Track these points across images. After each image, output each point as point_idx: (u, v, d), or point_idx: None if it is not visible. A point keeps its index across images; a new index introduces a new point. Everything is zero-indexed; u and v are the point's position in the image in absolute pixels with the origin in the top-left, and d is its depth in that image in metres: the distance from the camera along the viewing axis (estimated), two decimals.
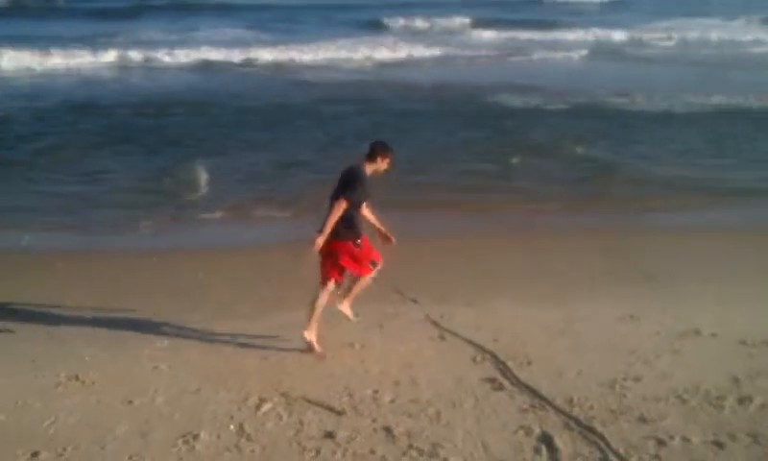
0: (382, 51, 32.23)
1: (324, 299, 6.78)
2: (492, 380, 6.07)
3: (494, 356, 6.53)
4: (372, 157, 6.73)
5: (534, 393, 5.80)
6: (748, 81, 25.53)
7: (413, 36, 39.45)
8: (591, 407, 5.57)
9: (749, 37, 39.59)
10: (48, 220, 11.30)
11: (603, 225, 11.29)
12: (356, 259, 6.75)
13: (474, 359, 6.52)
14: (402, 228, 11.08)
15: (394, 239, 7.08)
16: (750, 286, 8.47)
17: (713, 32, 41.26)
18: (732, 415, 5.46)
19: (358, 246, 6.72)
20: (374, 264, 6.85)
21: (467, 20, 45.57)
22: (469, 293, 8.31)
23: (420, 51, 32.85)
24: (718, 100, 21.21)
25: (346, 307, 7.06)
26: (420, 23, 45.40)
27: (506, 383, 6.01)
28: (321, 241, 6.47)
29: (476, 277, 8.92)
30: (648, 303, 7.88)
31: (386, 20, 44.86)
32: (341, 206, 6.49)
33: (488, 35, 39.94)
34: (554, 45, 35.94)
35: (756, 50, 35.74)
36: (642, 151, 15.93)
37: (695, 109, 20.33)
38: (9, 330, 7.43)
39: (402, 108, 20.23)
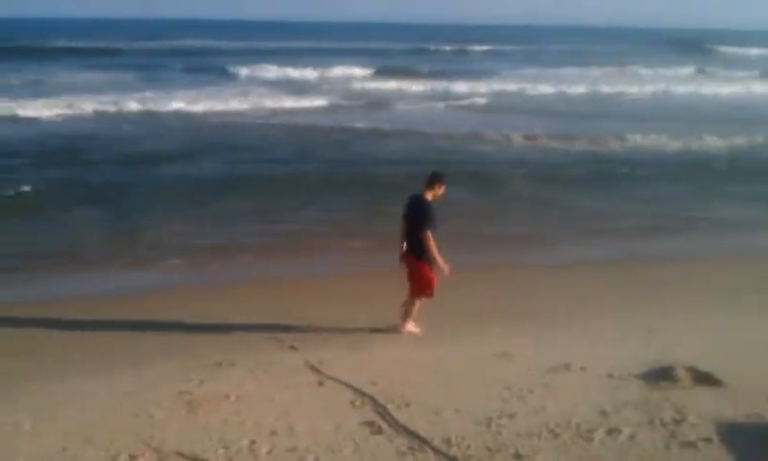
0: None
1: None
2: (370, 424, 6.04)
3: (373, 400, 6.51)
4: (431, 184, 8.23)
5: (412, 434, 5.81)
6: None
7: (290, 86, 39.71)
8: (468, 447, 5.62)
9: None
10: None
11: (476, 263, 11.54)
12: (423, 282, 8.35)
13: (353, 403, 6.47)
14: (281, 272, 11.21)
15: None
16: (615, 318, 8.85)
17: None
18: (601, 447, 5.63)
19: (434, 273, 8.28)
20: (426, 294, 8.42)
21: (367, 71, 46.61)
22: (349, 337, 8.31)
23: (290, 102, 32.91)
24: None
25: (411, 327, 8.58)
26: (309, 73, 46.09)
27: (385, 426, 5.99)
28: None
29: (356, 320, 8.92)
30: (521, 340, 8.11)
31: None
32: (430, 237, 8.08)
33: (375, 85, 40.59)
34: (435, 96, 37.18)
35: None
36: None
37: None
38: None
39: None
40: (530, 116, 29.51)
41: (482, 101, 35.28)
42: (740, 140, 23.97)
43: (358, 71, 46.99)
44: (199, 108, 29.88)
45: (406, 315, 8.63)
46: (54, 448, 5.66)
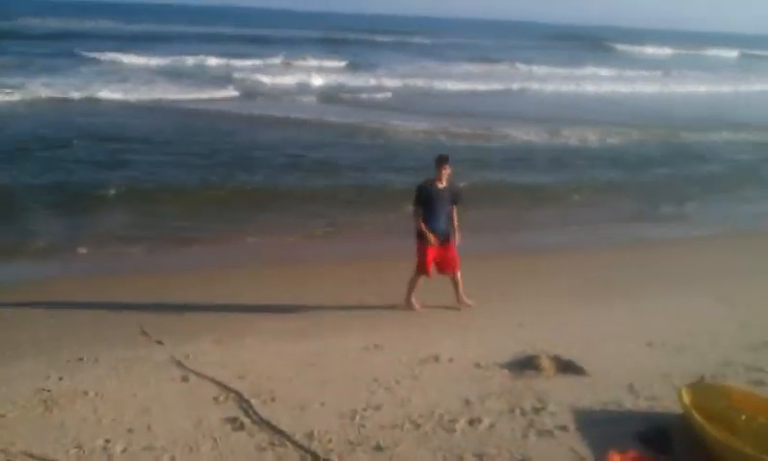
0: None
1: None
2: (233, 420, 5.93)
3: (239, 395, 6.39)
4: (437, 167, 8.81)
5: (274, 429, 5.74)
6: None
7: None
8: (330, 440, 5.60)
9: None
10: None
11: (356, 255, 11.57)
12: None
13: (217, 399, 6.34)
14: (149, 264, 10.90)
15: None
16: (485, 310, 9.01)
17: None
18: (461, 437, 5.71)
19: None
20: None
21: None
22: (219, 330, 8.13)
23: None
24: None
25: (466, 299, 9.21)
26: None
27: (247, 422, 5.90)
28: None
29: (227, 312, 8.76)
30: (393, 333, 8.12)
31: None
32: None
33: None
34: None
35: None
36: None
37: None
38: None
39: None
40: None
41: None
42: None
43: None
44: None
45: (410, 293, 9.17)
46: None
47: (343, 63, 44.68)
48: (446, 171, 8.79)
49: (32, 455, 5.32)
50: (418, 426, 5.83)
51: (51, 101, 26.22)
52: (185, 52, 45.42)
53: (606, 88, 41.45)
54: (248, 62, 42.42)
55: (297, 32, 76.81)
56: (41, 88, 27.71)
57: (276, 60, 44.67)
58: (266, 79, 36.58)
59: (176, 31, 67.69)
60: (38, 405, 6.21)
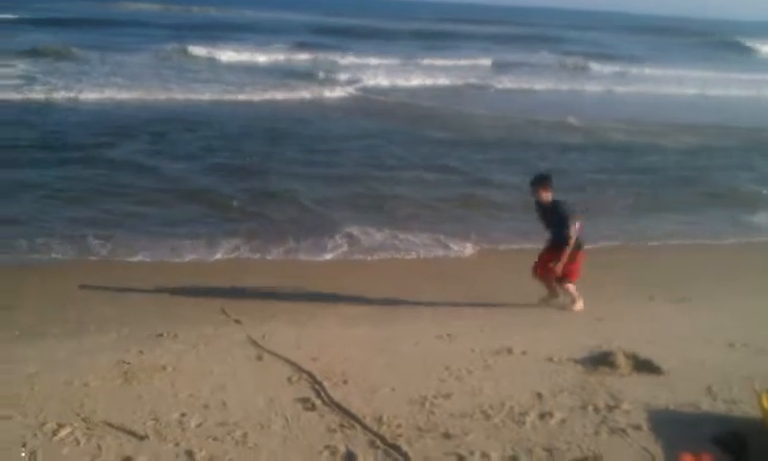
0: None
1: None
2: (305, 400, 6.01)
3: (311, 376, 6.48)
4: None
5: (344, 412, 5.79)
6: None
7: None
8: (399, 425, 5.61)
9: None
10: None
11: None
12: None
13: (290, 379, 6.44)
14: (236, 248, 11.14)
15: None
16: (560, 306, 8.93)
17: None
18: (531, 430, 5.64)
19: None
20: None
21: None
22: (295, 312, 8.26)
23: None
24: None
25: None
26: None
27: (318, 403, 5.97)
28: None
29: (303, 296, 8.89)
30: (467, 323, 8.11)
31: None
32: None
33: None
34: None
35: None
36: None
37: None
38: None
39: None
40: None
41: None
42: None
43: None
44: None
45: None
46: None
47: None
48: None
49: (111, 424, 5.50)
50: (488, 417, 5.80)
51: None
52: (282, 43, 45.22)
53: None
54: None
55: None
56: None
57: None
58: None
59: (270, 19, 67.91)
60: (119, 377, 6.43)
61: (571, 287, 8.88)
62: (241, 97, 26.40)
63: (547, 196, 8.70)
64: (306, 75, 33.08)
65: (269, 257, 10.86)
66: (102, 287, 9.08)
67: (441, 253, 11.48)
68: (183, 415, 5.67)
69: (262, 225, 12.21)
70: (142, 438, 5.30)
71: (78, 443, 5.23)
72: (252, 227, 12.09)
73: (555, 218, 8.70)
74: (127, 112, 21.81)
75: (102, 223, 11.67)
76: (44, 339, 7.35)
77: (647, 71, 44.23)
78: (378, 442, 5.36)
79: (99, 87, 25.17)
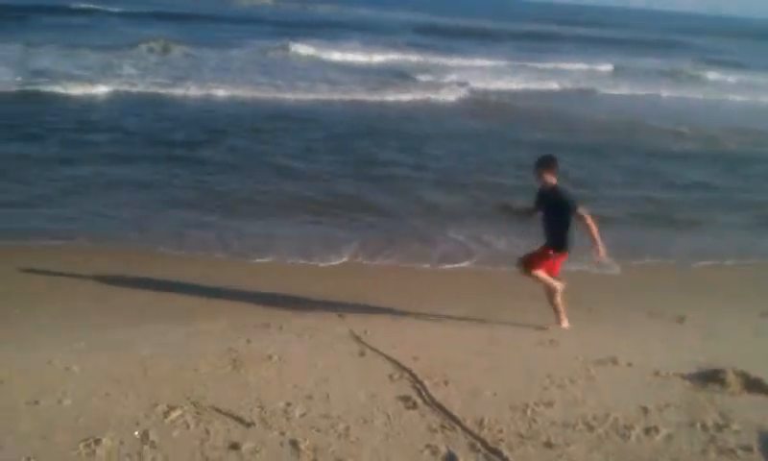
0: None
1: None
2: (406, 399, 6.05)
3: (412, 374, 6.53)
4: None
5: (445, 413, 5.81)
6: None
7: None
8: (500, 430, 5.59)
9: None
10: None
11: None
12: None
13: (391, 377, 6.50)
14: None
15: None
16: (669, 316, 8.67)
17: None
18: (636, 444, 5.52)
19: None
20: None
21: None
22: (396, 311, 8.33)
23: None
24: None
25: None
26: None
27: (419, 402, 6.00)
28: None
29: (404, 294, 8.94)
30: (570, 331, 7.98)
31: None
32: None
33: None
34: None
35: None
36: None
37: None
38: None
39: None
40: None
41: None
42: None
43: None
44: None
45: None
46: (98, 392, 5.86)
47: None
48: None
49: (219, 410, 5.68)
50: (591, 428, 5.70)
51: None
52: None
53: None
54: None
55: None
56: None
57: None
58: None
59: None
60: (227, 364, 6.63)
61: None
62: (348, 97, 26.56)
63: (551, 179, 8.14)
64: (413, 76, 32.96)
65: (377, 260, 10.96)
66: (212, 279, 9.37)
67: None
68: (288, 404, 5.80)
69: (373, 227, 12.32)
70: (249, 425, 5.45)
71: (187, 426, 5.42)
72: (365, 229, 12.26)
73: (556, 204, 8.05)
74: (232, 110, 22.38)
75: (212, 223, 12.06)
76: (157, 324, 7.65)
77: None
78: (479, 445, 5.35)
79: (204, 84, 25.82)
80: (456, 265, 10.82)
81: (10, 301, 8.13)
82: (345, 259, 10.81)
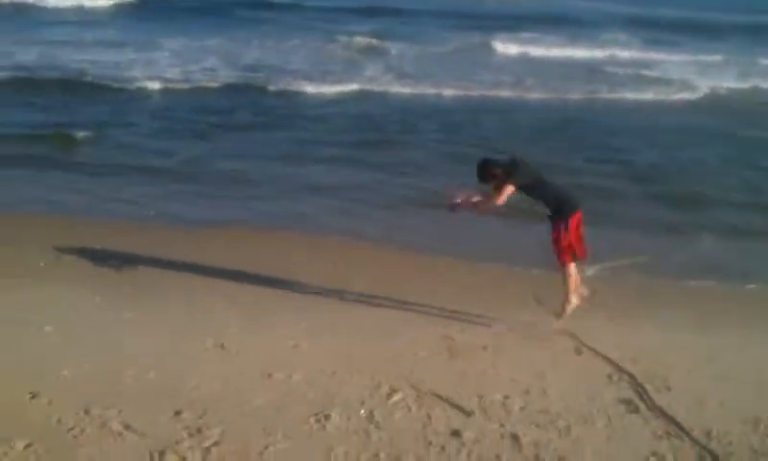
0: None
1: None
2: (627, 402, 5.90)
3: (632, 377, 6.33)
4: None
5: (670, 419, 5.60)
6: None
7: None
8: (730, 443, 5.32)
9: None
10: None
11: None
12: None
13: (610, 378, 6.35)
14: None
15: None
16: None
17: None
18: None
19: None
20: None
21: None
22: (613, 310, 8.09)
23: None
24: None
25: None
26: None
27: (642, 407, 5.82)
28: None
29: (620, 294, 8.65)
30: None
31: None
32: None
33: None
34: None
35: None
36: None
37: None
38: (164, 292, 7.97)
39: None
40: None
41: None
42: None
43: None
44: None
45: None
46: (325, 370, 6.17)
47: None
48: None
49: (439, 396, 5.80)
50: None
51: None
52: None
53: None
54: None
55: None
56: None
57: None
58: None
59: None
60: (443, 352, 6.77)
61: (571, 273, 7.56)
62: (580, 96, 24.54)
63: (498, 171, 7.31)
64: (635, 73, 29.78)
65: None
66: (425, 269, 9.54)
67: None
68: (507, 397, 5.83)
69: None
70: (469, 414, 5.54)
71: (409, 409, 5.60)
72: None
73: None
74: (449, 106, 21.99)
75: None
76: (373, 308, 7.92)
77: None
78: (708, 457, 5.13)
79: (437, 82, 24.91)
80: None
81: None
82: None
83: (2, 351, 6.23)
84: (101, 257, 8.81)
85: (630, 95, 25.02)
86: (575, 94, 24.65)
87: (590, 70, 30.10)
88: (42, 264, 8.59)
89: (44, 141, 14.46)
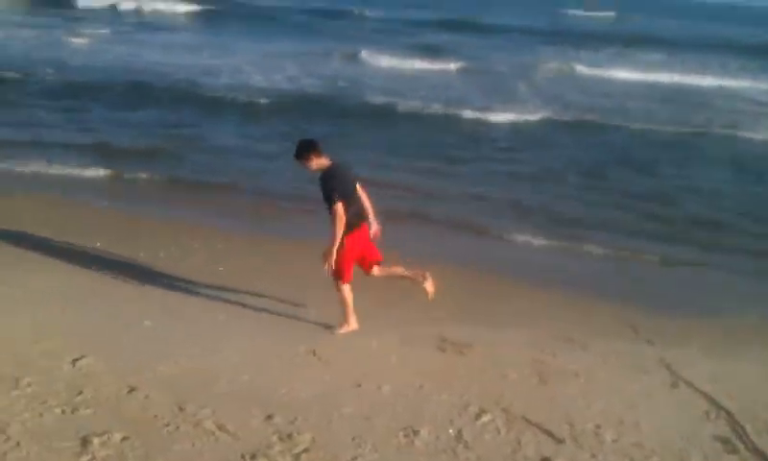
0: None
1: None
2: (724, 441, 5.68)
3: (730, 415, 6.10)
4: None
5: None
6: None
7: None
8: None
9: None
10: None
11: None
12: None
13: (707, 414, 6.12)
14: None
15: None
16: None
17: None
18: None
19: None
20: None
21: None
22: (711, 340, 7.84)
23: None
24: None
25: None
26: None
27: (741, 447, 5.59)
28: None
29: (720, 324, 8.37)
30: None
31: None
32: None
33: None
34: None
35: None
36: None
37: None
38: (258, 297, 8.14)
39: None
40: None
41: None
42: None
43: None
44: None
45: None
46: (413, 384, 6.17)
47: None
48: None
49: (528, 420, 5.71)
50: None
51: None
52: None
53: None
54: None
55: None
56: None
57: None
58: None
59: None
60: (534, 375, 6.67)
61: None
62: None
63: (321, 163, 7.08)
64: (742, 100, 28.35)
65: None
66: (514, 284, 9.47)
67: None
68: (598, 426, 5.70)
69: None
70: (560, 441, 5.43)
71: (498, 431, 5.53)
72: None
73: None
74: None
75: None
76: (462, 325, 7.88)
77: None
78: None
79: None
80: None
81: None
82: None
83: (105, 344, 6.46)
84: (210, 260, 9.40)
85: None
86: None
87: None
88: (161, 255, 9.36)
89: None
